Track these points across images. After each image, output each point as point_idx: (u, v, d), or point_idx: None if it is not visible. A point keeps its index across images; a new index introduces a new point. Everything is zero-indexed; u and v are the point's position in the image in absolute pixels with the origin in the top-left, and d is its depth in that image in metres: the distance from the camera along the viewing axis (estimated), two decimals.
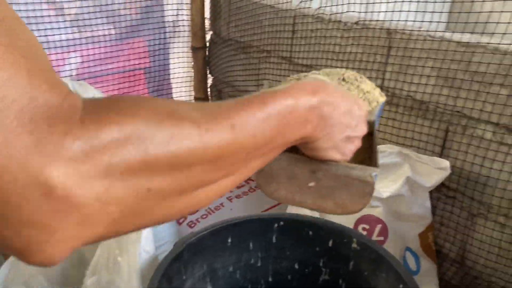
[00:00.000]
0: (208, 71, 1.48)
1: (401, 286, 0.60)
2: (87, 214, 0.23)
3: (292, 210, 0.90)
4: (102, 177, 0.23)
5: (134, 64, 1.32)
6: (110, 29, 1.24)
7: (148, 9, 1.29)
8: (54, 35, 1.15)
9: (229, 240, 0.70)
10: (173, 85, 1.44)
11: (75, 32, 1.19)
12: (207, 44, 1.45)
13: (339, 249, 0.70)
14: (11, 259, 0.78)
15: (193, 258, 0.65)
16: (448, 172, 0.82)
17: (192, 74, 1.45)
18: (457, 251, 0.89)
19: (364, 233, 0.83)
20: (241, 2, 1.25)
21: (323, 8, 1.02)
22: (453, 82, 0.82)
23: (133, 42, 1.30)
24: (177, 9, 1.35)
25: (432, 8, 0.84)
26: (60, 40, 1.16)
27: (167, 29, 1.36)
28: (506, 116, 0.76)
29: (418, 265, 0.88)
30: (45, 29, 1.13)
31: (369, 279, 0.67)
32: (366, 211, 0.85)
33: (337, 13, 0.98)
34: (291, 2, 1.10)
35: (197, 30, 1.39)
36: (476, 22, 0.78)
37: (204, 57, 1.45)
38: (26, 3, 1.10)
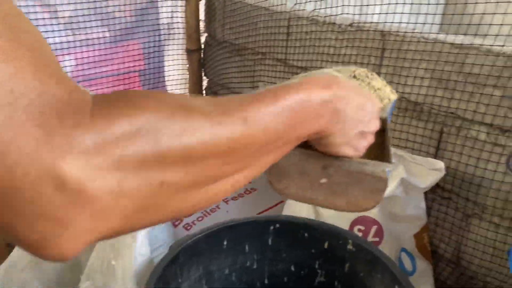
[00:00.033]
0: (203, 74, 1.48)
1: (396, 287, 0.60)
2: (100, 207, 0.23)
3: (288, 212, 0.90)
4: (114, 170, 0.23)
5: (128, 67, 1.32)
6: (104, 31, 1.24)
7: (143, 11, 1.29)
8: (48, 38, 1.15)
9: (225, 243, 0.70)
10: (168, 88, 1.44)
11: (69, 35, 1.18)
12: (202, 46, 1.45)
13: (334, 251, 0.70)
14: (5, 264, 0.77)
15: (189, 260, 0.65)
16: (442, 173, 0.83)
17: (187, 76, 1.45)
18: (452, 251, 0.89)
19: (360, 234, 0.83)
20: (236, 5, 1.25)
21: (318, 10, 1.02)
22: (447, 84, 0.82)
23: (127, 45, 1.30)
24: (172, 12, 1.35)
25: (425, 10, 0.84)
26: (54, 43, 1.16)
27: (162, 32, 1.36)
28: (499, 117, 0.76)
29: (414, 265, 0.88)
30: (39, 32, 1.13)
31: (365, 280, 0.67)
32: (361, 212, 0.85)
33: (331, 15, 0.98)
34: (285, 4, 1.10)
35: (191, 32, 1.39)
36: (469, 24, 0.79)
37: (199, 60, 1.45)
38: (20, 6, 1.09)
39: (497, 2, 0.74)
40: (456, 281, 0.90)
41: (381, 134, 0.47)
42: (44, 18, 1.13)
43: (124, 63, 1.30)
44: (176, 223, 1.02)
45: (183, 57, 1.43)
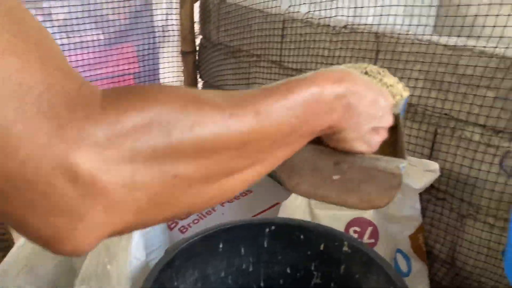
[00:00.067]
0: (198, 76, 1.48)
1: None
2: (113, 200, 0.23)
3: (284, 214, 0.90)
4: (126, 162, 0.23)
5: (123, 69, 1.32)
6: (99, 34, 1.24)
7: (137, 14, 1.29)
8: None
9: (221, 246, 0.70)
10: None
11: (64, 38, 1.18)
12: (197, 48, 1.45)
13: (330, 253, 0.71)
14: None
15: (185, 264, 0.65)
16: (437, 174, 0.83)
17: (182, 78, 1.45)
18: (447, 252, 0.89)
19: (355, 235, 0.84)
20: (230, 7, 1.25)
21: (312, 12, 1.02)
22: (441, 85, 0.83)
23: (122, 47, 1.30)
24: (166, 14, 1.35)
25: (419, 12, 0.85)
26: None
27: (157, 34, 1.36)
28: (493, 118, 0.77)
29: (409, 266, 0.88)
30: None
31: (360, 281, 0.68)
32: (357, 213, 0.85)
33: (325, 17, 0.99)
34: (280, 6, 1.10)
35: (186, 34, 1.39)
36: (463, 26, 0.79)
37: (194, 62, 1.45)
38: None
39: (490, 4, 0.74)
40: (451, 281, 0.90)
41: (394, 131, 0.46)
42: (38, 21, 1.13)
43: (118, 65, 1.30)
44: (172, 226, 1.02)
45: (178, 59, 1.43)
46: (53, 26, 1.16)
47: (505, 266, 0.64)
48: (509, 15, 0.72)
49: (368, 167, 0.42)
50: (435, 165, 0.83)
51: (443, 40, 0.82)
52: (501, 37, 0.74)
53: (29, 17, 0.23)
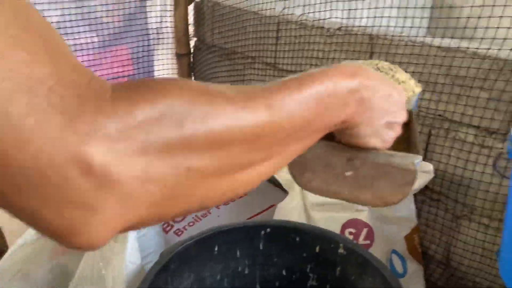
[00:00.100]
0: (192, 78, 1.47)
1: None
2: (127, 192, 0.23)
3: (279, 216, 0.90)
4: (139, 154, 0.23)
5: (117, 72, 1.31)
6: (93, 36, 1.23)
7: (131, 16, 1.28)
8: None
9: (216, 249, 0.70)
10: None
11: None
12: (192, 50, 1.44)
13: (326, 255, 0.71)
14: None
15: (180, 267, 0.65)
16: (432, 175, 0.83)
17: None
18: (442, 252, 0.90)
19: (351, 237, 0.84)
20: (225, 9, 1.25)
21: (306, 14, 1.02)
22: (434, 86, 0.83)
23: (116, 50, 1.29)
24: (161, 16, 1.34)
25: (413, 14, 0.85)
26: None
27: (151, 36, 1.35)
28: (486, 119, 0.77)
29: (405, 267, 0.89)
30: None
31: (356, 283, 0.68)
32: (352, 215, 0.86)
33: (320, 19, 0.99)
34: (274, 9, 1.10)
35: (181, 36, 1.39)
36: (456, 27, 0.80)
37: (189, 64, 1.45)
38: None
39: (482, 6, 0.75)
40: (446, 281, 0.90)
41: (407, 127, 0.45)
42: None
43: (113, 68, 1.29)
44: (167, 229, 1.02)
45: (172, 62, 1.42)
46: None
47: (499, 266, 0.64)
48: (501, 16, 0.73)
49: (382, 163, 0.41)
50: (429, 166, 0.83)
51: (437, 41, 0.83)
52: (493, 38, 0.75)
53: (34, 12, 0.23)
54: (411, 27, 0.85)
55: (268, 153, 0.31)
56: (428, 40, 0.84)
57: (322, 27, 0.98)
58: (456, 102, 0.81)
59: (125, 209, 0.23)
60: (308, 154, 0.39)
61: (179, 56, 1.41)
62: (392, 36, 0.88)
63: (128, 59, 1.33)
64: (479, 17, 0.75)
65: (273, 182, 1.08)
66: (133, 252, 0.69)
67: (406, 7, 0.84)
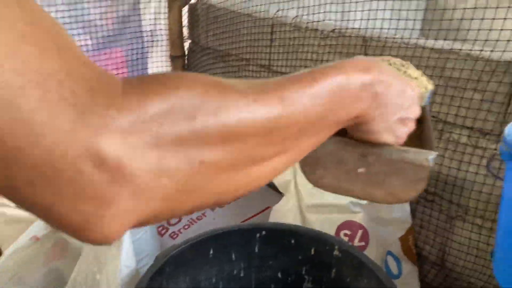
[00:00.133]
0: None
1: None
2: (140, 186, 0.23)
3: (275, 218, 0.90)
4: (151, 147, 0.23)
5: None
6: (86, 39, 1.23)
7: (125, 19, 1.28)
8: None
9: (211, 252, 0.70)
10: None
11: None
12: (186, 52, 1.44)
13: (321, 257, 0.71)
14: None
15: (175, 271, 0.65)
16: None
17: None
18: (437, 253, 0.90)
19: (346, 239, 0.84)
20: (219, 11, 1.25)
21: (300, 16, 1.03)
22: None
23: (110, 52, 1.29)
24: (155, 18, 1.34)
25: (406, 16, 0.86)
26: None
27: (145, 39, 1.35)
28: (479, 120, 0.78)
29: (400, 268, 0.89)
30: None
31: (351, 285, 0.68)
32: (347, 217, 0.86)
33: (314, 21, 0.99)
34: (268, 11, 1.10)
35: (175, 38, 1.38)
36: (448, 29, 0.80)
37: (183, 66, 1.44)
38: None
39: (474, 8, 0.75)
40: (441, 282, 0.91)
41: (420, 123, 0.45)
42: None
43: (107, 70, 1.29)
44: (163, 232, 1.01)
45: (167, 64, 1.42)
46: None
47: (493, 267, 0.64)
48: (493, 19, 0.73)
49: (396, 159, 0.40)
50: None
51: (430, 43, 0.83)
52: (486, 40, 0.75)
53: (39, 8, 0.23)
54: (404, 29, 0.85)
55: (281, 148, 0.31)
56: (421, 42, 0.84)
57: (316, 29, 0.99)
58: (450, 104, 0.81)
59: (139, 203, 0.23)
60: (320, 151, 0.38)
61: (173, 58, 1.41)
62: (386, 38, 0.88)
63: (122, 61, 1.32)
64: (471, 19, 0.76)
65: (268, 184, 1.08)
66: (128, 255, 0.69)
67: (400, 9, 0.85)
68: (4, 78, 0.19)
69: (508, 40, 0.73)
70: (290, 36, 1.05)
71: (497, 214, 0.78)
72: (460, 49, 0.78)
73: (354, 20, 0.92)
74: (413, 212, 0.90)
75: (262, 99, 0.28)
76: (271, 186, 1.10)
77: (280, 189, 0.97)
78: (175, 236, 1.00)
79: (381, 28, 0.89)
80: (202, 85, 0.26)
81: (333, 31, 0.96)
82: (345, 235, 0.85)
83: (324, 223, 0.85)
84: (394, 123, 0.40)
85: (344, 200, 0.84)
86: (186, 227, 1.01)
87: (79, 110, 0.21)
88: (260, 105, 0.28)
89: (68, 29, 1.18)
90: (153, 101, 0.23)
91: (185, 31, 1.42)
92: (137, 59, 1.34)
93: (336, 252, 0.69)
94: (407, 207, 0.88)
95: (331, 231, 0.83)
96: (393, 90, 0.38)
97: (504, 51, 0.73)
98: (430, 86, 0.47)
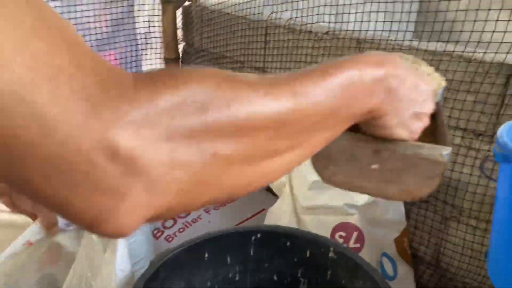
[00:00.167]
0: None
1: None
2: (154, 178, 0.23)
3: (270, 220, 0.90)
4: (164, 140, 0.23)
5: None
6: None
7: (119, 21, 1.28)
8: None
9: (206, 255, 0.70)
10: None
11: None
12: (180, 55, 1.44)
13: (316, 259, 0.71)
14: None
15: (170, 275, 0.65)
16: None
17: None
18: (431, 254, 0.90)
19: (341, 240, 0.84)
20: (213, 13, 1.25)
21: (294, 19, 1.03)
22: None
23: (104, 55, 1.28)
24: (149, 21, 1.34)
25: (399, 18, 0.86)
26: None
27: (139, 41, 1.35)
28: (473, 121, 0.78)
29: (395, 270, 0.89)
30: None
31: (347, 287, 0.68)
32: (342, 218, 0.86)
33: (307, 23, 0.99)
34: (262, 13, 1.11)
35: (169, 41, 1.38)
36: (441, 31, 0.80)
37: None
38: None
39: (466, 10, 0.76)
40: (436, 283, 0.91)
41: (434, 119, 0.44)
42: None
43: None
44: (158, 235, 1.01)
45: (161, 66, 1.42)
46: None
47: (488, 267, 0.65)
48: (485, 21, 0.74)
49: (410, 155, 0.40)
50: None
51: (423, 45, 0.84)
52: (479, 42, 0.76)
53: (45, 5, 0.23)
54: (398, 31, 0.86)
55: (293, 142, 0.31)
56: (414, 43, 0.85)
57: (310, 31, 0.99)
58: (444, 105, 0.81)
59: (152, 196, 0.23)
60: (332, 147, 0.38)
61: (167, 60, 1.41)
62: (380, 40, 0.88)
63: (117, 64, 1.32)
64: (464, 21, 0.76)
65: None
66: (123, 259, 0.68)
67: (393, 11, 0.85)
68: (15, 73, 0.20)
69: (501, 42, 0.73)
70: (284, 38, 1.05)
71: (491, 215, 0.78)
72: (453, 51, 0.79)
73: (348, 22, 0.93)
74: (407, 213, 0.90)
75: (274, 93, 0.28)
76: (267, 188, 1.10)
77: (275, 191, 0.97)
78: (170, 239, 1.00)
79: (375, 30, 0.89)
80: (213, 78, 0.26)
81: (327, 33, 0.96)
82: (340, 236, 0.85)
83: (319, 225, 0.85)
84: (408, 118, 0.39)
85: (339, 201, 0.85)
86: (181, 230, 1.01)
87: (91, 103, 0.21)
88: (272, 98, 0.28)
89: None
90: (165, 94, 0.24)
91: (179, 34, 1.42)
92: (131, 61, 1.34)
93: (331, 254, 0.69)
94: (401, 208, 0.88)
95: (326, 233, 0.83)
96: (407, 84, 0.37)
97: (496, 52, 0.74)
98: (443, 83, 0.46)
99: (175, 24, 1.37)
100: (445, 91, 0.48)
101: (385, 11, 0.86)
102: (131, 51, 1.33)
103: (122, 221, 0.23)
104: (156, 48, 1.39)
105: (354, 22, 0.91)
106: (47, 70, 0.20)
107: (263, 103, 0.27)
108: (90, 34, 1.23)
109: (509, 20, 0.73)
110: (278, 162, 0.30)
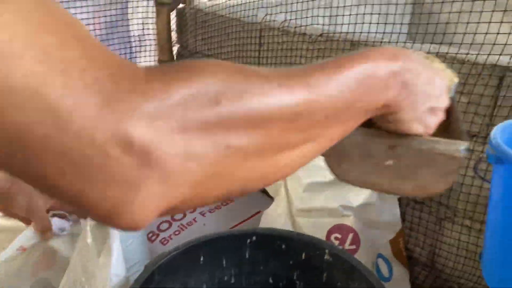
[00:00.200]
0: None
1: None
2: (168, 170, 0.23)
3: (266, 223, 0.90)
4: (177, 133, 0.23)
5: None
6: None
7: (113, 24, 1.27)
8: None
9: (201, 259, 0.69)
10: None
11: None
12: (175, 57, 1.44)
13: (312, 261, 0.71)
14: None
15: (165, 279, 0.64)
16: None
17: None
18: (427, 255, 0.91)
19: (337, 242, 0.84)
20: (207, 16, 1.25)
21: (288, 21, 1.03)
22: None
23: None
24: (143, 23, 1.34)
25: (393, 20, 0.86)
26: None
27: (133, 44, 1.34)
28: (467, 122, 0.78)
29: (391, 271, 0.89)
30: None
31: None
32: (338, 220, 0.86)
33: (302, 26, 1.00)
34: (256, 15, 1.11)
35: (163, 43, 1.38)
36: (435, 33, 0.81)
37: None
38: None
39: (459, 12, 0.76)
40: (432, 284, 0.91)
41: (448, 114, 0.43)
42: None
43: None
44: (153, 238, 1.01)
45: None
46: None
47: (482, 268, 0.65)
48: (478, 22, 0.74)
49: (426, 150, 0.39)
50: None
51: (417, 47, 0.84)
52: (471, 43, 0.76)
53: (53, 1, 0.23)
54: (392, 33, 0.86)
55: (307, 135, 0.30)
56: (408, 45, 0.85)
57: (304, 34, 0.99)
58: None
59: (167, 188, 0.24)
60: (345, 143, 0.37)
61: (162, 63, 1.41)
62: (374, 42, 0.88)
63: None
64: (457, 23, 0.76)
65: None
66: (118, 264, 0.68)
67: (387, 14, 0.85)
68: (27, 67, 0.20)
69: (493, 44, 0.74)
70: (278, 40, 1.05)
71: (486, 216, 0.79)
72: (447, 53, 0.79)
73: (342, 24, 0.93)
74: (403, 214, 0.91)
75: (287, 84, 0.28)
76: (262, 190, 1.10)
77: (271, 193, 0.96)
78: (166, 242, 0.99)
79: (369, 32, 0.89)
80: (226, 70, 0.26)
81: (321, 35, 0.96)
82: (336, 238, 0.85)
83: (314, 227, 0.85)
84: (424, 113, 0.39)
85: (334, 203, 0.85)
86: (176, 232, 1.01)
87: (104, 96, 0.21)
88: (285, 90, 0.28)
89: None
90: (177, 86, 0.24)
91: (174, 36, 1.41)
92: None
93: (327, 257, 0.69)
94: (397, 209, 0.89)
95: (321, 235, 0.83)
96: (422, 78, 0.37)
97: (489, 54, 0.74)
98: (456, 79, 0.46)
99: (169, 26, 1.37)
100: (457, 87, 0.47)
101: (379, 13, 0.86)
102: (125, 53, 1.32)
103: (137, 213, 0.23)
104: (150, 51, 1.38)
105: (348, 24, 0.91)
106: (59, 64, 0.21)
107: (276, 94, 0.27)
108: None
109: (501, 22, 0.73)
110: (292, 156, 0.30)
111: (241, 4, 1.14)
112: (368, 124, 0.38)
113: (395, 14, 0.85)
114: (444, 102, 0.40)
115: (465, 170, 0.80)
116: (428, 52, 0.81)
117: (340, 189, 0.85)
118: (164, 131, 0.23)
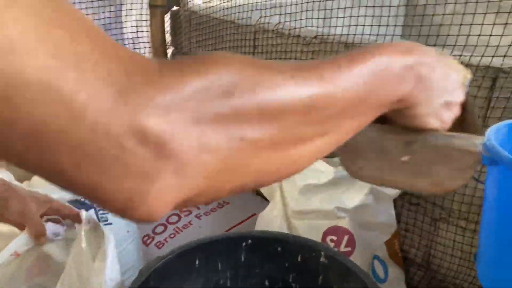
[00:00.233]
0: None
1: None
2: (183, 162, 0.23)
3: (261, 225, 0.90)
4: (192, 124, 0.23)
5: None
6: None
7: (106, 26, 1.27)
8: None
9: (197, 262, 0.69)
10: None
11: None
12: (169, 59, 1.43)
13: (308, 264, 0.71)
14: None
15: (160, 284, 0.64)
16: None
17: None
18: (422, 256, 0.91)
19: (332, 244, 0.84)
20: (201, 18, 1.25)
21: (283, 23, 1.03)
22: None
23: None
24: (137, 26, 1.33)
25: (386, 21, 0.87)
26: None
27: (127, 46, 1.34)
28: None
29: (386, 272, 0.89)
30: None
31: None
32: (333, 222, 0.86)
33: (296, 28, 1.00)
34: (251, 17, 1.11)
35: (158, 45, 1.38)
36: (428, 35, 0.81)
37: None
38: None
39: (453, 14, 0.77)
40: (427, 285, 0.91)
41: (463, 110, 0.42)
42: None
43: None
44: (148, 241, 1.00)
45: None
46: None
47: (477, 269, 0.65)
48: (471, 24, 0.75)
49: (442, 146, 0.38)
50: None
51: None
52: (465, 45, 0.76)
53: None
54: (385, 34, 0.86)
55: (322, 128, 0.30)
56: None
57: (299, 36, 0.99)
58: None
59: (182, 179, 0.24)
60: (360, 139, 0.36)
61: None
62: (368, 43, 0.89)
63: None
64: (450, 25, 0.77)
65: (254, 190, 1.08)
66: (113, 268, 0.68)
67: (380, 16, 0.86)
68: (40, 62, 0.20)
69: (487, 45, 0.74)
70: (272, 42, 1.05)
71: (480, 216, 0.79)
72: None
73: (336, 26, 0.93)
74: (398, 215, 0.91)
75: (300, 76, 0.28)
76: (257, 192, 1.10)
77: (266, 196, 0.96)
78: (161, 245, 0.99)
79: (363, 34, 0.90)
80: (239, 62, 0.26)
81: (315, 37, 0.96)
82: (332, 240, 0.85)
83: (310, 229, 0.85)
84: (439, 107, 0.38)
85: (329, 205, 0.85)
86: (172, 236, 1.01)
87: (118, 89, 0.22)
88: (298, 82, 0.28)
89: None
90: (191, 78, 0.24)
91: (168, 38, 1.41)
92: None
93: (322, 259, 0.69)
94: (392, 211, 0.89)
95: (317, 237, 0.83)
96: (437, 72, 0.37)
97: (482, 56, 0.75)
98: (469, 75, 0.45)
99: (163, 28, 1.37)
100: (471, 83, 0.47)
101: (372, 15, 0.87)
102: None
103: (152, 204, 0.24)
104: (144, 53, 1.38)
105: (342, 26, 0.92)
106: (72, 58, 0.21)
107: (289, 86, 0.27)
108: None
109: (494, 24, 0.73)
110: (306, 149, 0.30)
111: (235, 6, 1.14)
112: (382, 121, 0.38)
113: (388, 16, 0.85)
114: (459, 96, 0.40)
115: None
116: None
117: (335, 191, 0.85)
118: (179, 123, 0.23)
